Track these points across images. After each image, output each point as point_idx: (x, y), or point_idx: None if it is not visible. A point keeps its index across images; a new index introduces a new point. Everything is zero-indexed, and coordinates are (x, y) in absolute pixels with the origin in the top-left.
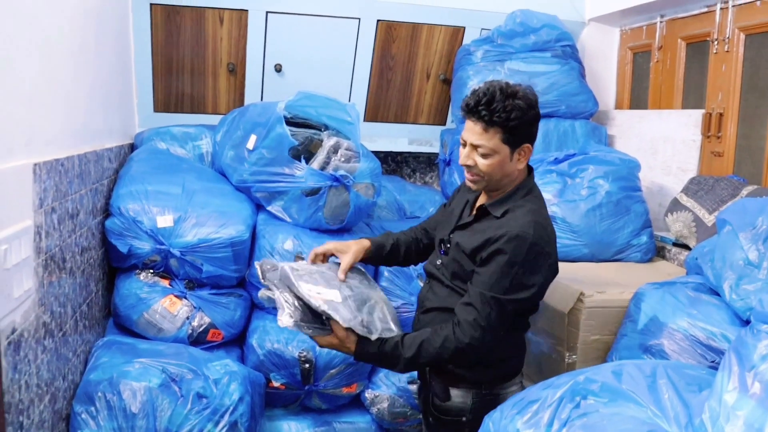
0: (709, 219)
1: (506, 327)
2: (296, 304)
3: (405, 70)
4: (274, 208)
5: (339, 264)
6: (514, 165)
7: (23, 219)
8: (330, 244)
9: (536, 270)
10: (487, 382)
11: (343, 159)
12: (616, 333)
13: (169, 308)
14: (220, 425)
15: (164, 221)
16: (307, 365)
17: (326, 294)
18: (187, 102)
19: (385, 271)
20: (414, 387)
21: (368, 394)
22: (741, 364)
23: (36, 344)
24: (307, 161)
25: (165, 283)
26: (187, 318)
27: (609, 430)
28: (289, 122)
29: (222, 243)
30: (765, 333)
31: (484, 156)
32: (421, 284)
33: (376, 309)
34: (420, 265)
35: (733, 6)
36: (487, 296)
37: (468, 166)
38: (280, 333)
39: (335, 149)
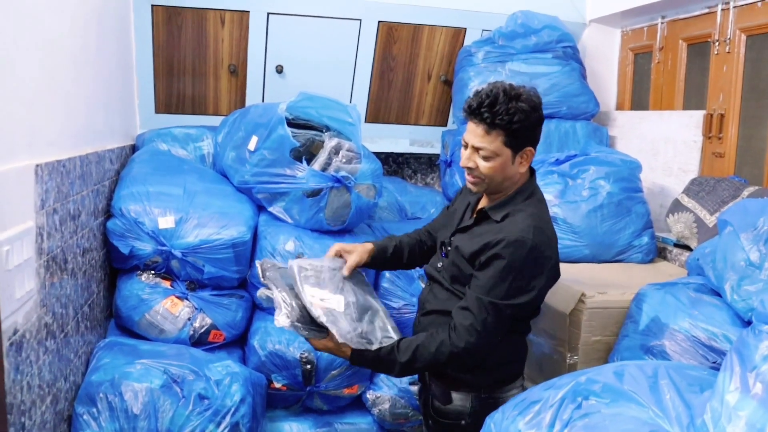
0: (710, 220)
1: (503, 332)
2: (294, 304)
3: (406, 71)
4: (276, 209)
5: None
6: (516, 168)
7: (25, 220)
8: (336, 245)
9: (535, 275)
10: (487, 386)
11: (344, 160)
12: (618, 334)
13: (171, 309)
14: (222, 426)
15: (166, 222)
16: (308, 366)
17: (330, 301)
18: (188, 103)
19: (386, 273)
20: (415, 388)
21: (369, 395)
22: (743, 364)
23: (38, 345)
24: (309, 162)
25: (166, 284)
26: (189, 319)
27: (611, 430)
28: (291, 123)
29: (223, 244)
30: (766, 333)
31: (486, 159)
32: (423, 285)
33: (377, 318)
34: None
35: (734, 7)
36: (484, 301)
37: (469, 169)
38: (282, 334)
39: (336, 150)
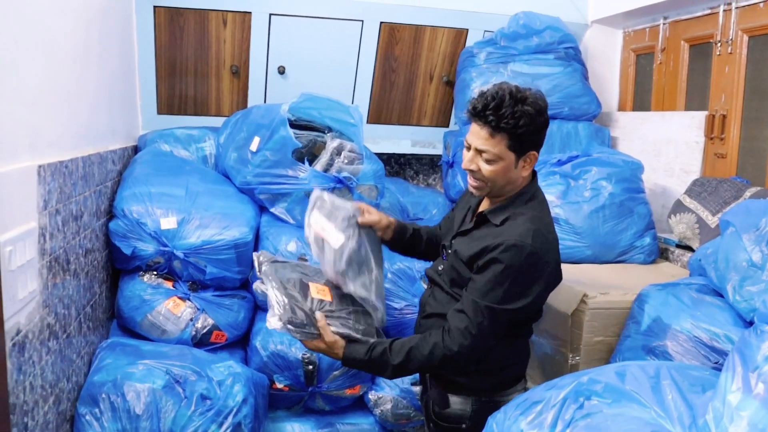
0: (712, 220)
1: (499, 336)
2: (286, 304)
3: (408, 72)
4: (278, 209)
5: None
6: (519, 172)
7: (28, 221)
8: (362, 203)
9: (534, 280)
10: (488, 390)
11: (346, 161)
12: (620, 334)
13: (173, 310)
14: (224, 426)
15: (168, 223)
16: (310, 367)
17: (328, 234)
18: (190, 104)
19: (389, 273)
20: (417, 389)
21: (371, 396)
22: (745, 364)
23: (40, 346)
24: (311, 163)
25: (169, 284)
26: (191, 320)
27: (613, 430)
28: (293, 124)
29: (225, 245)
30: None
31: (489, 162)
32: (425, 286)
33: (366, 275)
34: (423, 267)
35: (736, 8)
36: (480, 305)
37: (471, 171)
38: (284, 335)
39: (338, 151)
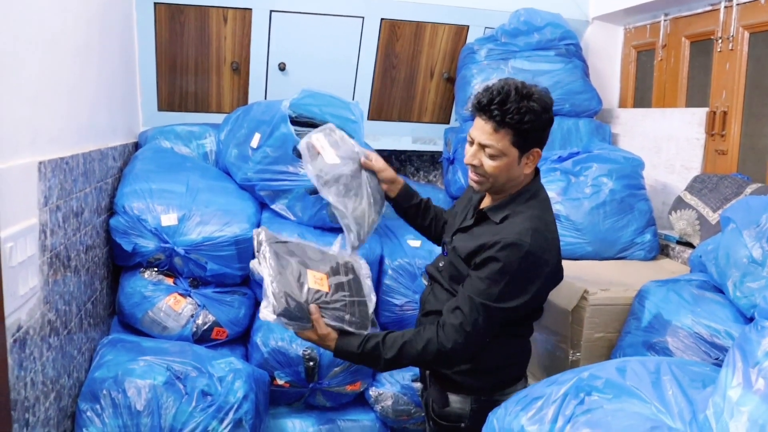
0: (712, 217)
1: (492, 334)
2: (281, 296)
3: (409, 68)
4: (278, 206)
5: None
6: (521, 169)
7: (28, 217)
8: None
9: (530, 279)
10: (487, 389)
11: None
12: (620, 331)
13: (174, 306)
14: (225, 423)
15: (168, 219)
16: (311, 363)
17: (325, 151)
18: (191, 101)
19: (389, 269)
20: (418, 385)
21: (372, 392)
22: (745, 360)
23: (41, 342)
24: None
25: (169, 281)
26: (192, 316)
27: (613, 425)
28: (293, 121)
29: (226, 241)
30: None
31: (492, 157)
32: (425, 283)
33: (351, 199)
34: (424, 263)
35: (737, 4)
36: (476, 302)
37: (473, 166)
38: (284, 331)
39: None
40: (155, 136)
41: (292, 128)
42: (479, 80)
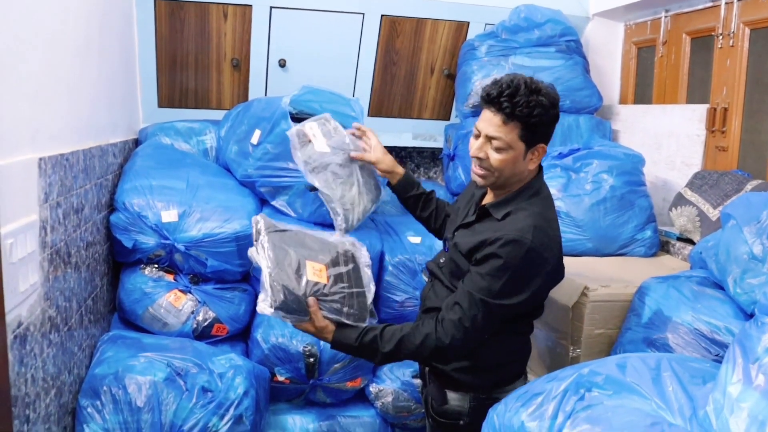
0: (713, 213)
1: (491, 330)
2: (279, 290)
3: (409, 65)
4: (279, 202)
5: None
6: (526, 164)
7: (29, 213)
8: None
9: (531, 277)
10: (486, 387)
11: None
12: (621, 327)
13: (174, 303)
14: (225, 419)
15: (169, 216)
16: (311, 359)
17: (317, 139)
18: (191, 97)
19: (389, 266)
20: (418, 381)
21: (372, 388)
22: (745, 356)
23: (42, 338)
24: None
25: (170, 277)
26: (192, 312)
27: (613, 422)
28: (294, 117)
29: (226, 237)
30: None
31: (498, 150)
32: (426, 279)
33: (340, 186)
34: (424, 259)
35: (738, 0)
36: (475, 297)
37: (479, 159)
38: (285, 327)
39: None
40: (155, 133)
41: (292, 124)
42: (480, 76)
